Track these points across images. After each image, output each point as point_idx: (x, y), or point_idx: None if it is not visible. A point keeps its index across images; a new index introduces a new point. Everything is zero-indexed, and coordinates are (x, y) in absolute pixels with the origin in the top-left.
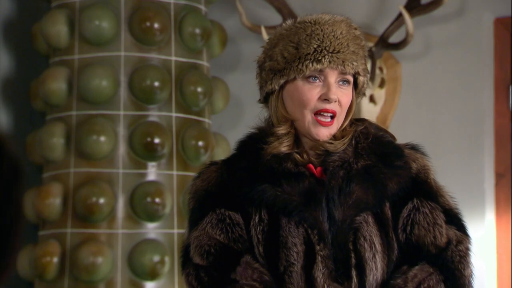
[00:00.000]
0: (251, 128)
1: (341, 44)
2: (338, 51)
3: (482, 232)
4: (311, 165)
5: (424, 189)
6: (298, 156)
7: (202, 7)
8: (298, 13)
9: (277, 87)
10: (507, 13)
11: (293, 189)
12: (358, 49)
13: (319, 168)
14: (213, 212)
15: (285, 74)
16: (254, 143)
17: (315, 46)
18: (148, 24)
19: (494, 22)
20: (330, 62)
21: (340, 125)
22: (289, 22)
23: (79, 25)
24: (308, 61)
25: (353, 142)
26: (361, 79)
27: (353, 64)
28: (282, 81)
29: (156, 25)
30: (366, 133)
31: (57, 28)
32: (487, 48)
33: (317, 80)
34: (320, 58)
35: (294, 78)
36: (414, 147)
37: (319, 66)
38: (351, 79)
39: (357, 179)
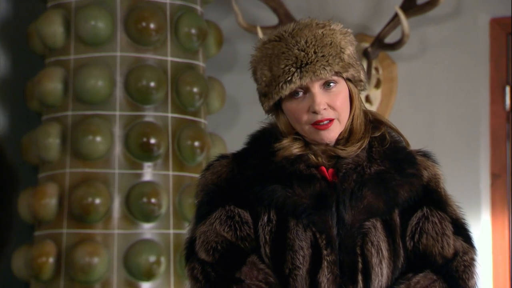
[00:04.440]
0: (263, 123)
1: (307, 55)
2: (306, 63)
3: (477, 232)
4: (323, 168)
5: (434, 198)
6: (313, 157)
7: (198, 7)
8: (294, 13)
9: (272, 108)
10: (503, 14)
11: (304, 191)
12: (328, 48)
13: (331, 170)
14: (223, 208)
15: (271, 97)
16: (266, 139)
17: (282, 66)
18: (144, 24)
19: (490, 23)
20: (301, 78)
21: (344, 122)
22: (260, 41)
23: (75, 25)
24: (281, 83)
25: (367, 145)
26: (345, 75)
27: (325, 69)
28: (271, 103)
29: (152, 25)
30: (382, 139)
31: (53, 28)
32: (483, 49)
33: (301, 93)
34: (289, 78)
35: (281, 98)
36: (425, 154)
37: (292, 86)
38: (336, 78)
39: (370, 184)
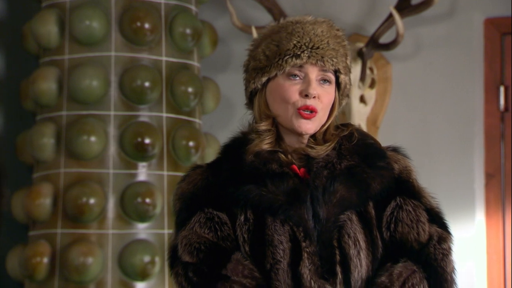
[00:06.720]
0: (235, 132)
1: (321, 41)
2: (318, 47)
3: (472, 232)
4: (294, 166)
5: (406, 188)
6: (283, 156)
7: (193, 7)
8: (288, 13)
9: (259, 86)
10: (497, 14)
11: (278, 188)
12: (339, 47)
13: (302, 169)
14: (201, 212)
15: (267, 71)
16: (238, 147)
17: (294, 42)
18: (138, 24)
19: (484, 23)
20: (309, 57)
21: (322, 123)
22: (272, 24)
23: (69, 25)
24: (287, 56)
25: (337, 144)
26: (342, 77)
27: (332, 61)
28: (264, 79)
29: (146, 25)
30: (350, 136)
31: (48, 28)
32: (477, 49)
33: (298, 78)
34: (299, 53)
35: (276, 75)
36: (395, 149)
37: (298, 61)
38: (332, 78)
39: (341, 178)
